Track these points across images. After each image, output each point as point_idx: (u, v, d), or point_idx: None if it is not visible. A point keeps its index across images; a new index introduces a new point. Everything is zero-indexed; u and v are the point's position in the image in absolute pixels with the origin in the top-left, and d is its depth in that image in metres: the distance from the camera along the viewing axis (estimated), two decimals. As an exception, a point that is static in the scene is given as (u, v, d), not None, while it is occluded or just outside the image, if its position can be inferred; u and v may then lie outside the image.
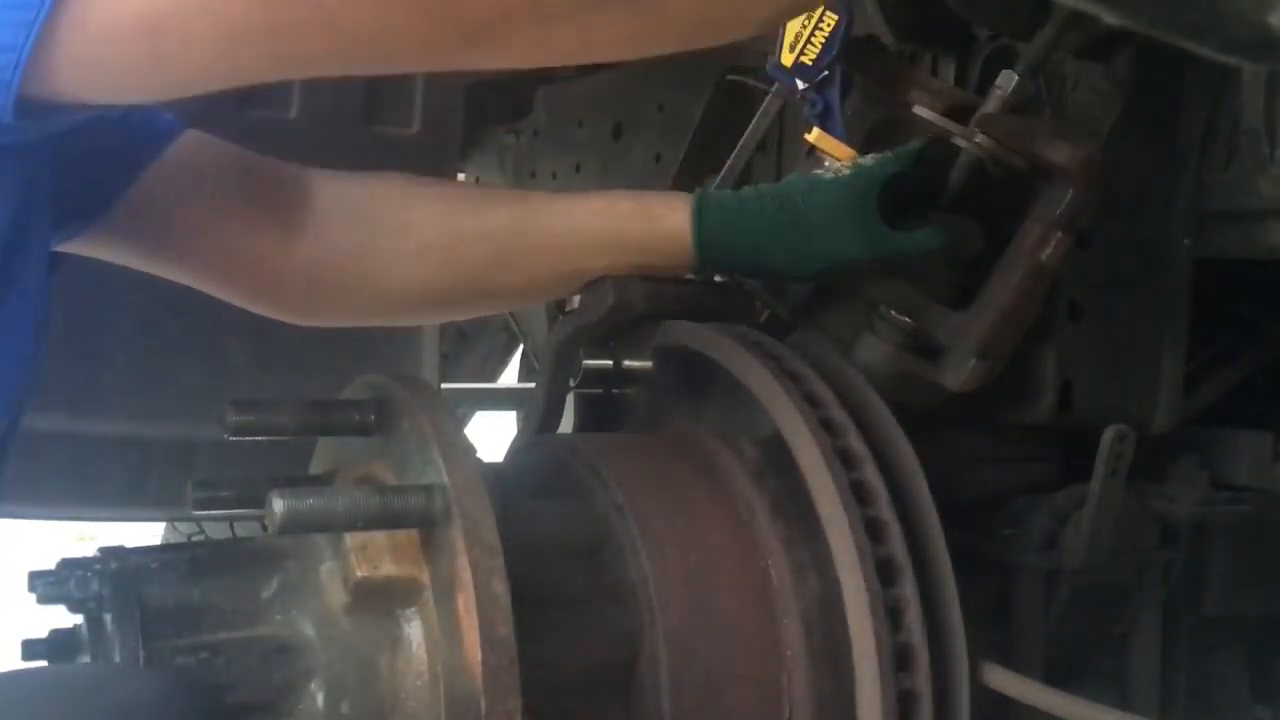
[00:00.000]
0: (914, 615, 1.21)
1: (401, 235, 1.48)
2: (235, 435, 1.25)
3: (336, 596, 1.14)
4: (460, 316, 2.21)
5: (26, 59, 1.02)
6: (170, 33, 1.04)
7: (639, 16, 1.09)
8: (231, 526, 2.70)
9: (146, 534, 3.17)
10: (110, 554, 1.14)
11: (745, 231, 1.44)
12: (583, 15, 1.09)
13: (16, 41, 1.02)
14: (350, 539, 1.12)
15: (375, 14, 1.06)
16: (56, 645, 1.15)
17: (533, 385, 1.56)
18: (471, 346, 3.47)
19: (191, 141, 1.43)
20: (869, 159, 1.45)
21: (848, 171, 1.44)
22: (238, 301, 1.50)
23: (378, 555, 1.13)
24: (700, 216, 1.45)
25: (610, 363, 1.48)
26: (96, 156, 1.32)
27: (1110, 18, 0.88)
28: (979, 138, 1.42)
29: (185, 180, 1.41)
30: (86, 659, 1.12)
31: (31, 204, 1.19)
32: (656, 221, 1.47)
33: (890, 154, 1.45)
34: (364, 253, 1.47)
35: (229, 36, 1.06)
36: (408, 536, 1.13)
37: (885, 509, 1.25)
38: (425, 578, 1.13)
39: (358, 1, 1.05)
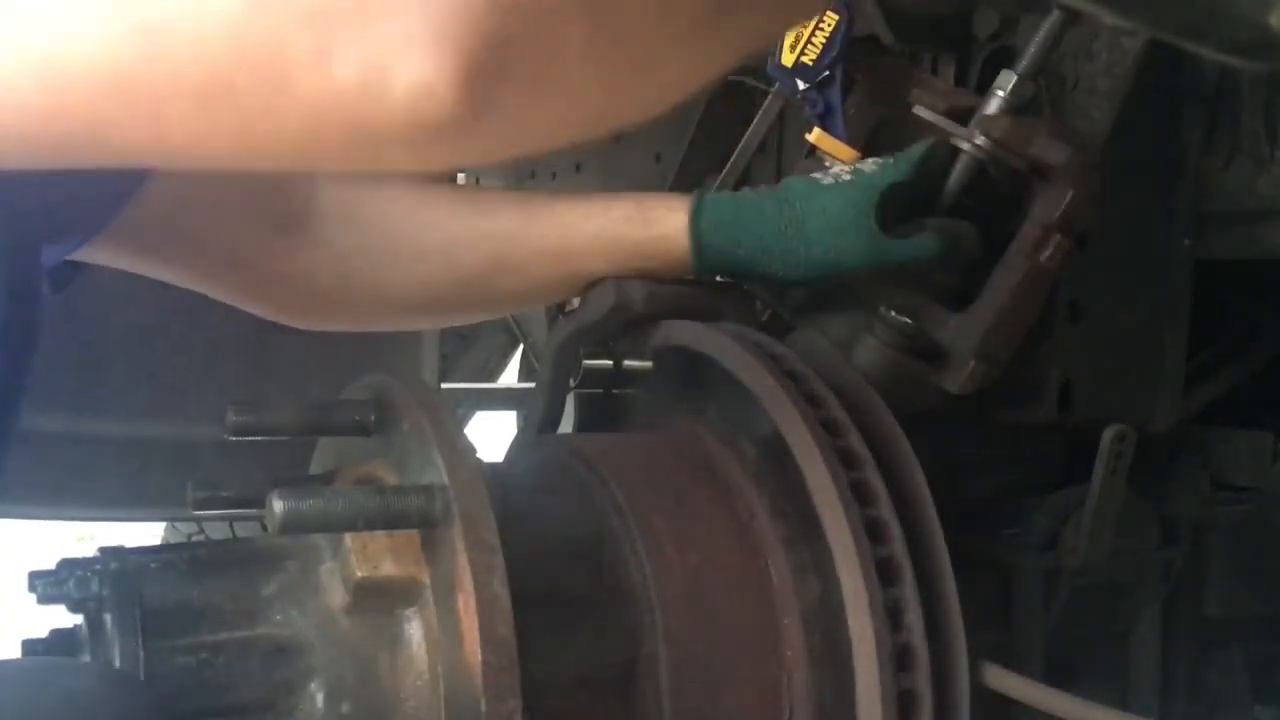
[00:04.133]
0: (914, 615, 1.21)
1: (402, 238, 1.47)
2: (235, 435, 1.25)
3: (336, 596, 1.14)
4: (461, 321, 2.21)
5: None
6: None
7: None
8: (231, 526, 2.70)
9: (146, 534, 3.18)
10: (110, 554, 1.14)
11: (743, 235, 1.44)
12: None
13: None
14: (350, 539, 1.12)
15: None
16: (56, 645, 1.14)
17: (533, 385, 1.56)
18: (471, 347, 3.47)
19: None
20: (869, 164, 1.45)
21: (848, 176, 1.44)
22: (240, 304, 1.49)
23: (378, 555, 1.12)
24: (697, 220, 1.44)
25: (610, 363, 1.47)
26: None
27: (1110, 18, 0.88)
28: (978, 139, 1.42)
29: (190, 184, 1.40)
30: (87, 659, 1.12)
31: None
32: (653, 225, 1.46)
33: (891, 160, 1.44)
34: (365, 255, 1.47)
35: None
36: (408, 536, 1.13)
37: (885, 509, 1.24)
38: (425, 578, 1.12)
39: None
